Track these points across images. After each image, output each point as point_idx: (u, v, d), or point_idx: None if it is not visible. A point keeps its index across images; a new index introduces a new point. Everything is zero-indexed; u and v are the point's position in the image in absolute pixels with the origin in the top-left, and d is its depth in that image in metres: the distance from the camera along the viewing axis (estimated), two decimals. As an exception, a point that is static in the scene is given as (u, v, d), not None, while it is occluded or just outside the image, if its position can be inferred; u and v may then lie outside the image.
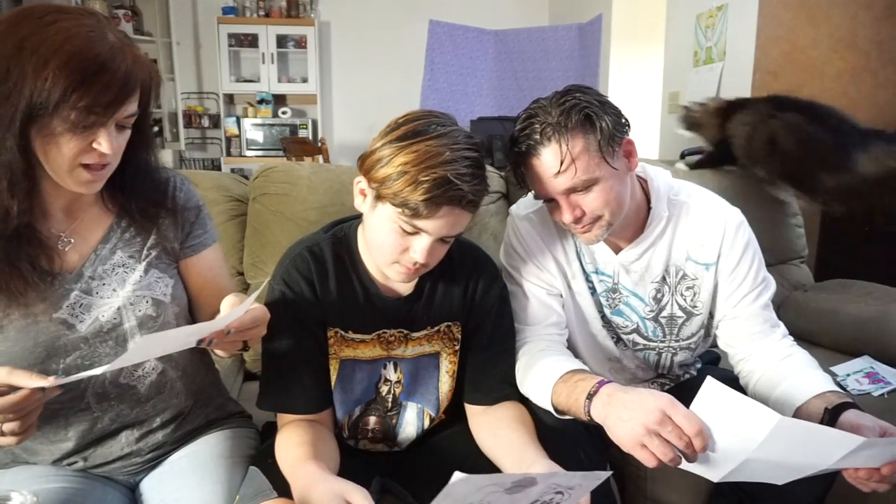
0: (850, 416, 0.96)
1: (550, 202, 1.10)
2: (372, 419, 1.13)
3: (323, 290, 1.04)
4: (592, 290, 1.24)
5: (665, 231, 1.18)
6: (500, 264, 1.26)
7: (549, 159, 1.04)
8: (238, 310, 0.84)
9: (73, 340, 0.94)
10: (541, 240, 1.21)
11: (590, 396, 0.95)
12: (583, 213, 1.07)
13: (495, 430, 1.08)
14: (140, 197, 1.00)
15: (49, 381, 0.77)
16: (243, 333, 0.87)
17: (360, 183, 0.99)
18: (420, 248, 0.95)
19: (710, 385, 0.81)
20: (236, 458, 1.04)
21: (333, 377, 1.07)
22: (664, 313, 1.23)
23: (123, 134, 0.90)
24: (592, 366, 1.28)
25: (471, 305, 1.12)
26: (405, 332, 1.10)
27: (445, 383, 1.14)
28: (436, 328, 1.11)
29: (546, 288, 1.21)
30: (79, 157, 0.85)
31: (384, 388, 1.12)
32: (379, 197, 0.95)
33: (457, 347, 1.12)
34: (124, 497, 1.02)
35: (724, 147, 2.04)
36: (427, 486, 1.09)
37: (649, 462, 0.87)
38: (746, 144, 1.96)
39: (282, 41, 5.54)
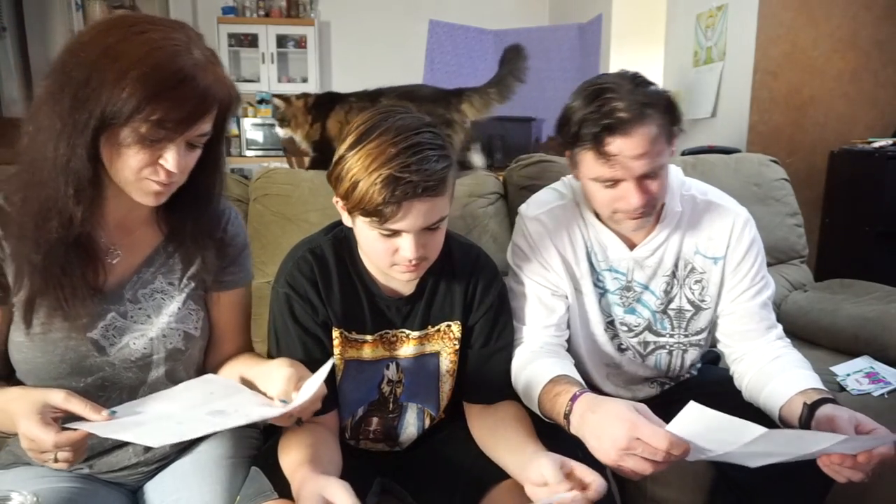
0: (826, 409, 0.97)
1: (610, 186, 1.07)
2: (374, 420, 1.13)
3: (326, 292, 1.05)
4: (602, 293, 1.24)
5: (678, 226, 1.19)
6: (507, 262, 1.26)
7: (636, 140, 1.02)
8: (305, 396, 0.83)
9: (99, 363, 0.93)
10: (550, 241, 1.21)
11: (566, 416, 0.96)
12: (650, 198, 1.07)
13: (494, 429, 1.08)
14: (195, 222, 0.98)
15: (103, 417, 0.77)
16: (301, 411, 0.87)
17: (338, 201, 0.98)
18: (407, 246, 0.94)
19: (693, 408, 0.79)
20: (238, 459, 1.04)
21: (338, 378, 1.07)
22: (672, 305, 1.24)
23: (193, 153, 0.88)
24: (591, 365, 1.28)
25: (471, 305, 1.12)
26: (406, 332, 1.10)
27: (446, 383, 1.14)
28: (436, 328, 1.11)
29: (551, 289, 1.21)
30: (143, 171, 0.84)
31: (386, 389, 1.12)
32: (350, 211, 0.95)
33: (457, 347, 1.12)
34: (126, 499, 1.01)
35: (328, 150, 1.97)
36: (427, 486, 1.10)
37: (633, 477, 0.87)
38: None
39: (282, 41, 5.54)
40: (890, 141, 2.63)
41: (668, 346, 1.27)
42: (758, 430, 0.79)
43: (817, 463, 0.93)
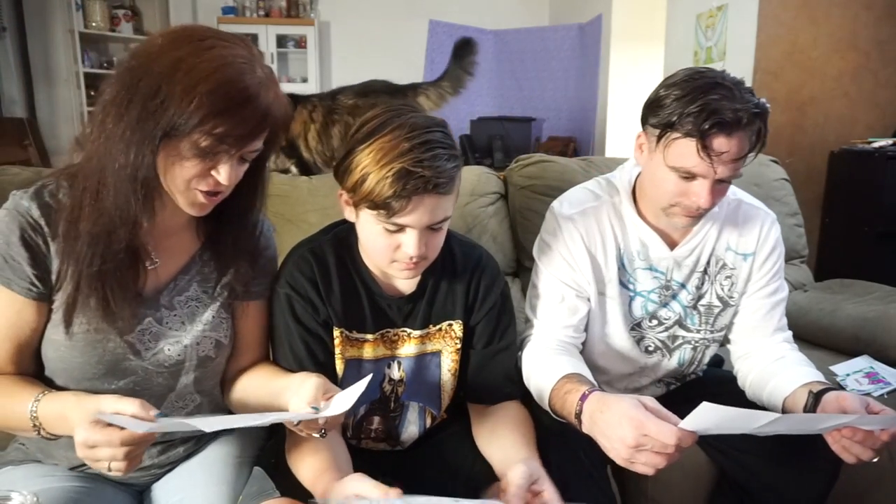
0: (832, 394, 0.98)
1: (686, 178, 1.07)
2: (376, 419, 1.13)
3: (327, 291, 1.05)
4: (633, 295, 1.23)
5: (713, 225, 1.21)
6: (531, 257, 1.26)
7: (738, 143, 1.02)
8: (340, 408, 0.84)
9: (134, 366, 0.94)
10: (582, 241, 1.20)
11: (577, 416, 0.97)
12: (716, 201, 1.09)
13: (493, 429, 1.09)
14: (234, 232, 0.99)
15: (150, 417, 0.77)
16: (329, 422, 0.87)
17: (343, 194, 1.00)
18: (410, 243, 0.95)
19: (705, 407, 0.80)
20: (244, 458, 1.04)
21: (339, 378, 1.07)
22: (703, 301, 1.25)
23: (242, 167, 0.90)
24: (604, 374, 1.28)
25: (473, 305, 1.12)
26: (407, 330, 1.10)
27: (447, 382, 1.14)
28: (437, 327, 1.11)
29: (575, 289, 1.20)
30: (194, 181, 0.86)
31: (388, 388, 1.12)
32: (356, 204, 0.96)
33: (458, 346, 1.13)
34: (133, 498, 1.02)
35: (296, 152, 1.96)
36: (428, 485, 1.10)
37: (648, 472, 0.88)
38: (321, 141, 1.89)
39: (282, 41, 5.54)
40: (890, 141, 2.63)
41: (693, 342, 1.27)
42: (771, 415, 0.81)
43: (826, 440, 0.94)
